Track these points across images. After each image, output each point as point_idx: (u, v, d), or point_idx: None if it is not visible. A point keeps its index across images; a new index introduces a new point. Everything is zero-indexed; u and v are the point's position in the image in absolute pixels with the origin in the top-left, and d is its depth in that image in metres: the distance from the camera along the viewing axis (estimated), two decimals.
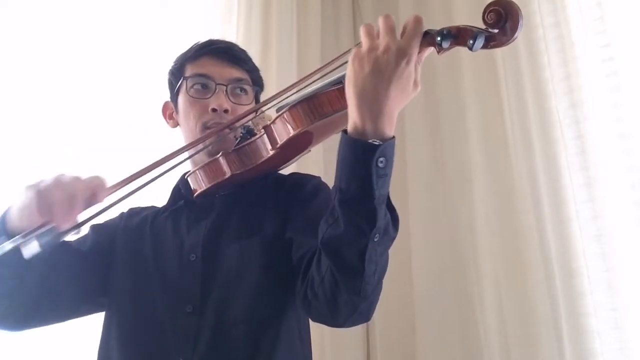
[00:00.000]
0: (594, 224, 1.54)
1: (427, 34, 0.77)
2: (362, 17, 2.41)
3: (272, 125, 0.92)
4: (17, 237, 0.74)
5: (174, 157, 0.91)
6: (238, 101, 1.08)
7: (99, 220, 0.91)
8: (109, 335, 1.03)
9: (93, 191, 0.78)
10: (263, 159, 0.96)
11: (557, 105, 1.64)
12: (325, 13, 2.33)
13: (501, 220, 1.77)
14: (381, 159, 0.73)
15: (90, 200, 0.78)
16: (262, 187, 1.08)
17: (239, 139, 1.03)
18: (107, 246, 1.09)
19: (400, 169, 2.07)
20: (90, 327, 1.17)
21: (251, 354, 0.95)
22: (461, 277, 1.86)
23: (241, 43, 1.46)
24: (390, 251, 0.83)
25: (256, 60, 1.18)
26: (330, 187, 0.80)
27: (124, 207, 1.14)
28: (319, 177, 1.11)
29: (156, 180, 0.87)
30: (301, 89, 0.91)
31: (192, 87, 1.09)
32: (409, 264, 2.01)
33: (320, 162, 1.92)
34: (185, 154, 0.97)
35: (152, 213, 1.14)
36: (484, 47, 0.75)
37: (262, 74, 1.18)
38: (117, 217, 1.16)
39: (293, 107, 0.87)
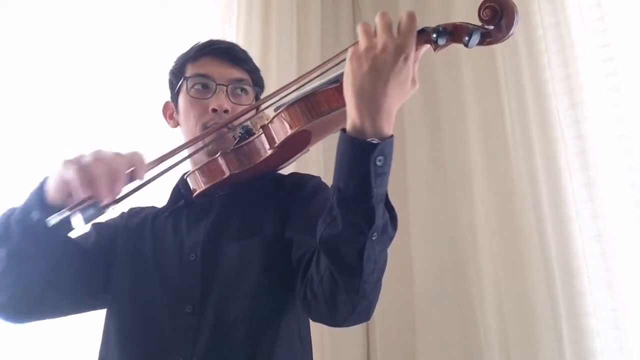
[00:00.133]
0: (594, 224, 1.54)
1: (423, 31, 0.77)
2: (362, 17, 2.41)
3: (269, 125, 0.92)
4: (64, 209, 0.75)
5: (178, 153, 0.92)
6: (238, 101, 1.08)
7: (103, 218, 0.92)
8: (109, 335, 1.03)
9: (134, 166, 0.80)
10: (261, 159, 0.96)
11: (557, 105, 1.64)
12: (325, 13, 2.33)
13: (501, 220, 1.77)
14: (380, 157, 0.73)
15: (132, 175, 0.80)
16: (262, 187, 1.08)
17: (237, 138, 1.03)
18: (108, 245, 1.09)
19: (400, 169, 2.07)
20: (90, 327, 1.18)
21: (251, 353, 0.95)
22: (461, 277, 1.86)
23: (241, 43, 1.46)
24: (390, 251, 0.83)
25: (256, 60, 1.17)
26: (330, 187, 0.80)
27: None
28: (318, 177, 1.11)
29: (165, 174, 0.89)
30: (299, 88, 0.91)
31: (192, 87, 1.08)
32: (409, 264, 2.01)
33: (320, 162, 1.91)
34: (186, 152, 0.97)
35: (152, 213, 1.14)
36: (480, 43, 0.76)
37: (262, 74, 1.17)
38: (117, 216, 1.16)
39: (290, 106, 0.87)
